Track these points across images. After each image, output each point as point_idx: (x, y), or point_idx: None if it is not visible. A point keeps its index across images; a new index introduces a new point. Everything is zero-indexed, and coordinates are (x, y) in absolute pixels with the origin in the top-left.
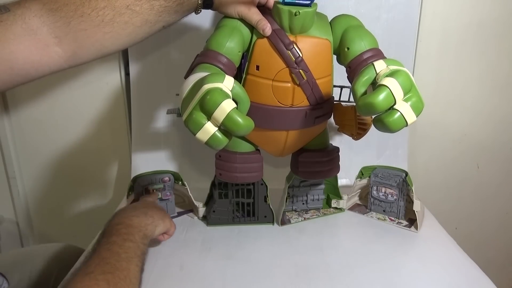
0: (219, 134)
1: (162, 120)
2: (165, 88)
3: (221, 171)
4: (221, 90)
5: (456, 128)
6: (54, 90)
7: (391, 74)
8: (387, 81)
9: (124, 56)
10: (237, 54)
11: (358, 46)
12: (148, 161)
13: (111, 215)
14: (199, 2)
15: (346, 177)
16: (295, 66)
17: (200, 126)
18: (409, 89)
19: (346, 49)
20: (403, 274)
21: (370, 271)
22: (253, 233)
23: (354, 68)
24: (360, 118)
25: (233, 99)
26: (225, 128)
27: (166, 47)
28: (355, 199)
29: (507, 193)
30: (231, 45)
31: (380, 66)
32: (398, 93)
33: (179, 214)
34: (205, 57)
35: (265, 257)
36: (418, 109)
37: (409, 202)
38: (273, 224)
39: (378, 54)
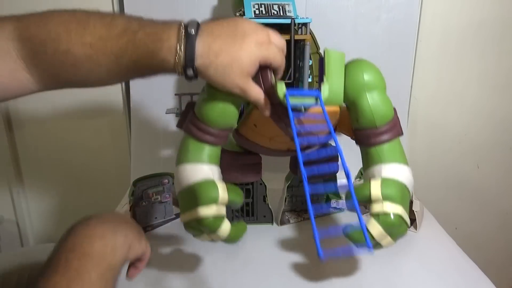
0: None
1: (161, 120)
2: (165, 88)
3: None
4: (217, 215)
5: (456, 128)
6: (54, 90)
7: (379, 215)
8: (371, 226)
9: None
10: (233, 119)
11: (369, 123)
12: (148, 161)
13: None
14: (179, 70)
15: (345, 177)
16: (296, 137)
17: (199, 234)
18: (393, 231)
19: (355, 120)
20: (403, 274)
21: (370, 271)
22: (253, 233)
23: (359, 139)
24: None
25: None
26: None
27: None
28: None
29: (507, 193)
30: (225, 120)
31: (375, 191)
32: (380, 235)
33: (177, 216)
34: (197, 130)
35: (264, 257)
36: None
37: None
38: (272, 224)
39: (386, 130)
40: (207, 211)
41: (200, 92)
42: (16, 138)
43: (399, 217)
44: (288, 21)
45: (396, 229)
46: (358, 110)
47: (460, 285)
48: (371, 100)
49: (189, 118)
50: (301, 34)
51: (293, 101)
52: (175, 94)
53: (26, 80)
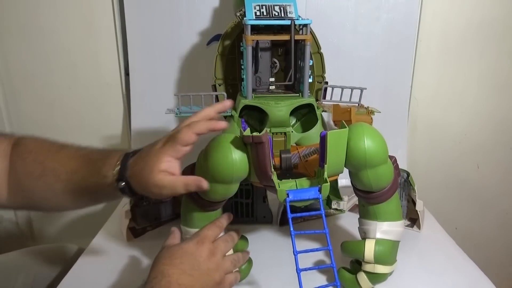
0: None
1: (161, 120)
2: (165, 88)
3: None
4: None
5: (456, 128)
6: (54, 90)
7: (369, 273)
8: (361, 279)
9: (124, 56)
10: (234, 192)
11: (367, 189)
12: None
13: (110, 216)
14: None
15: (346, 177)
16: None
17: None
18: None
19: (353, 181)
20: (403, 274)
21: None
22: (253, 233)
23: (356, 193)
24: (358, 120)
25: None
26: None
27: (166, 47)
28: (355, 200)
29: (507, 193)
30: (228, 195)
31: (369, 253)
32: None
33: (177, 216)
34: (201, 204)
35: (264, 257)
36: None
37: (409, 201)
38: (272, 224)
39: (383, 193)
40: None
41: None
42: None
43: (387, 274)
44: (288, 22)
45: (381, 281)
46: (358, 179)
47: (460, 285)
48: (372, 175)
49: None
50: (302, 34)
51: (294, 203)
52: (175, 95)
53: (6, 185)
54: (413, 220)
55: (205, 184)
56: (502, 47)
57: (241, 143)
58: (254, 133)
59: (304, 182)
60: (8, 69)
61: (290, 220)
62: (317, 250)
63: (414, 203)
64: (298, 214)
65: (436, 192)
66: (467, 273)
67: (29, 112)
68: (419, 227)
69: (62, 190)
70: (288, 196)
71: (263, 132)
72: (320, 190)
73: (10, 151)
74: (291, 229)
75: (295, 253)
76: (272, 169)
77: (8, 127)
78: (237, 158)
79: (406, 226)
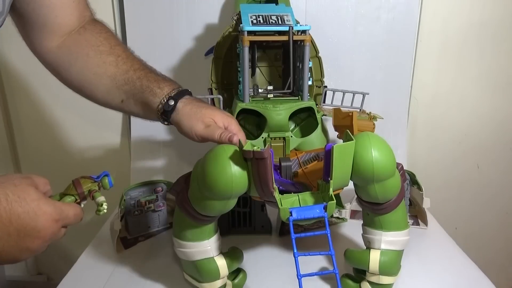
0: None
1: (161, 124)
2: None
3: None
4: (221, 286)
5: (456, 128)
6: (54, 90)
7: (373, 283)
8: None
9: None
10: (231, 207)
11: (372, 199)
12: (147, 165)
13: (109, 217)
14: (159, 108)
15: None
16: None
17: None
18: None
19: (359, 193)
20: (403, 274)
21: None
22: (251, 244)
23: (361, 203)
24: (360, 126)
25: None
26: None
27: (165, 48)
28: (354, 204)
29: (507, 193)
30: (224, 210)
31: (373, 264)
32: None
33: (171, 225)
34: (195, 217)
35: (262, 270)
36: None
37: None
38: (271, 235)
39: (390, 204)
40: (212, 286)
41: (191, 179)
42: (16, 139)
43: (391, 284)
44: (286, 28)
45: None
46: (364, 192)
47: (460, 285)
48: (379, 189)
49: (186, 203)
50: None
51: (297, 222)
52: None
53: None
54: (414, 217)
55: (235, 139)
56: (502, 47)
57: (240, 156)
58: (255, 148)
59: (307, 197)
60: (8, 69)
61: (293, 241)
62: (319, 254)
63: (411, 203)
64: (302, 235)
65: (436, 192)
66: (467, 273)
67: (29, 112)
68: (426, 224)
69: (112, 75)
70: (291, 215)
71: (266, 146)
72: (325, 208)
73: (89, 16)
74: (295, 250)
75: (296, 255)
76: (274, 185)
77: (8, 127)
78: (236, 173)
79: (411, 224)
